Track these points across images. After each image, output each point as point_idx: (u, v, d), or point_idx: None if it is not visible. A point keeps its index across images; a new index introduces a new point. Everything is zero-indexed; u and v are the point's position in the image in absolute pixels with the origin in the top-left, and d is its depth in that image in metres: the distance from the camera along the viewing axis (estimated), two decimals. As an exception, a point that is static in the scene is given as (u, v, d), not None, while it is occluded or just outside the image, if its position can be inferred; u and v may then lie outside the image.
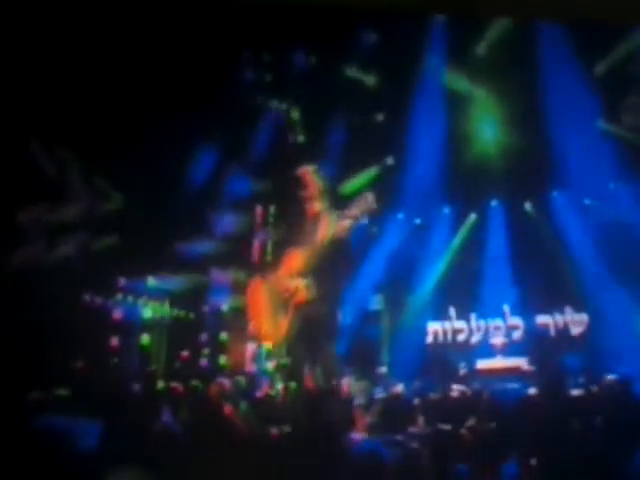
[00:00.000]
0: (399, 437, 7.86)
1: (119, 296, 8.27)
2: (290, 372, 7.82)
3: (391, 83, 9.42)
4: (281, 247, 8.33)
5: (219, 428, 7.55)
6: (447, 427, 8.20)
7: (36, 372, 8.03)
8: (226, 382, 7.83)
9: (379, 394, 8.30)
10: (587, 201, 9.98)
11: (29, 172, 8.10)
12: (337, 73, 9.20)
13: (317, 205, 8.20)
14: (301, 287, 7.84)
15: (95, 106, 8.13)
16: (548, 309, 9.87)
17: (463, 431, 8.24)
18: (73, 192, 8.31)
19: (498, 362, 9.29)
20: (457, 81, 9.64)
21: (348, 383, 8.14)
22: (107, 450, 7.35)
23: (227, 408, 7.65)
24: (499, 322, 9.89)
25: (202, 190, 8.83)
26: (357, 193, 9.70)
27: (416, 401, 8.50)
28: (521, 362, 9.13)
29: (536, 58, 9.61)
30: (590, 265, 9.94)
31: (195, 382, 7.90)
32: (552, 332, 9.88)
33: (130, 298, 8.27)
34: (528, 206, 10.13)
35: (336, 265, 8.22)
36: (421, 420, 8.20)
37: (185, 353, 8.31)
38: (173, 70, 8.54)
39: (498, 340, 9.48)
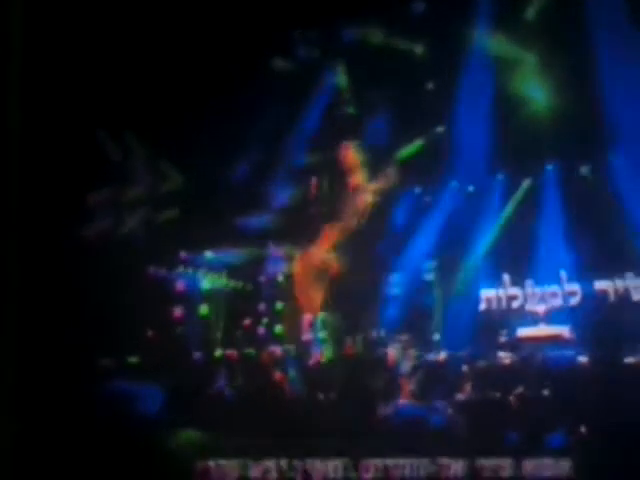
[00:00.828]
0: (445, 404, 8.57)
1: (180, 268, 9.15)
2: (331, 341, 8.56)
3: (440, 51, 9.88)
4: (327, 219, 9.01)
5: (269, 393, 8.41)
6: (495, 394, 8.85)
7: (106, 340, 8.99)
8: (277, 350, 8.64)
9: (426, 361, 8.97)
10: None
11: (97, 157, 9.00)
12: (385, 43, 9.72)
13: (357, 178, 8.82)
14: (334, 260, 8.53)
15: (154, 94, 8.92)
16: (608, 275, 10.22)
17: (511, 398, 8.88)
18: (137, 174, 9.16)
19: (542, 330, 9.79)
20: (506, 46, 10.01)
21: (394, 350, 8.84)
22: (169, 413, 8.34)
23: (277, 375, 8.48)
24: (555, 288, 10.34)
25: (258, 165, 9.56)
26: (408, 162, 10.33)
27: (464, 368, 9.13)
28: (564, 330, 9.61)
29: (587, 20, 9.87)
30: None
31: (249, 350, 8.73)
32: (612, 298, 10.26)
33: (190, 270, 9.14)
34: (584, 169, 10.43)
35: (374, 236, 8.88)
36: (469, 387, 8.87)
37: (242, 322, 9.14)
38: (225, 52, 9.25)
39: (546, 307, 9.96)
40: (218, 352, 8.77)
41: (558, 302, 10.39)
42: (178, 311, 9.03)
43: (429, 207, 10.29)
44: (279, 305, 9.19)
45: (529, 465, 7.73)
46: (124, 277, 9.03)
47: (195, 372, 8.90)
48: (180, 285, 9.11)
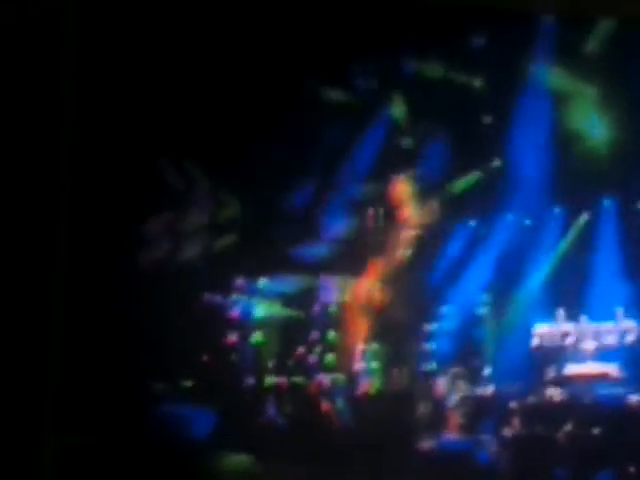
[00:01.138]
0: (491, 438, 8.73)
1: (235, 296, 9.47)
2: (381, 372, 8.81)
3: (498, 84, 10.07)
4: (375, 252, 9.28)
5: (316, 424, 8.67)
6: (543, 431, 8.97)
7: (162, 365, 9.36)
8: (325, 380, 8.90)
9: (474, 395, 9.13)
10: None
11: (157, 185, 9.41)
12: (444, 76, 9.95)
13: (406, 212, 9.09)
14: (380, 292, 8.81)
15: (214, 123, 9.30)
16: None
17: (560, 436, 8.99)
18: (196, 201, 9.55)
19: (590, 367, 9.86)
20: (565, 80, 10.15)
21: (443, 383, 9.03)
22: (220, 439, 8.68)
23: (325, 405, 8.74)
24: (610, 325, 10.38)
25: (314, 194, 9.85)
26: (464, 195, 10.52)
27: (513, 404, 9.27)
28: (613, 368, 9.67)
29: None
30: None
31: (298, 379, 9.01)
32: None
33: (245, 298, 9.47)
34: None
35: (423, 269, 9.11)
36: (517, 422, 9.00)
37: (294, 351, 9.43)
38: (284, 81, 9.58)
39: (597, 343, 10.02)
40: (269, 380, 9.08)
41: (612, 339, 10.48)
42: (232, 338, 9.38)
43: (484, 240, 10.48)
44: (331, 335, 9.47)
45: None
46: (180, 303, 9.42)
47: (247, 398, 9.24)
48: (234, 312, 9.46)
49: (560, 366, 9.63)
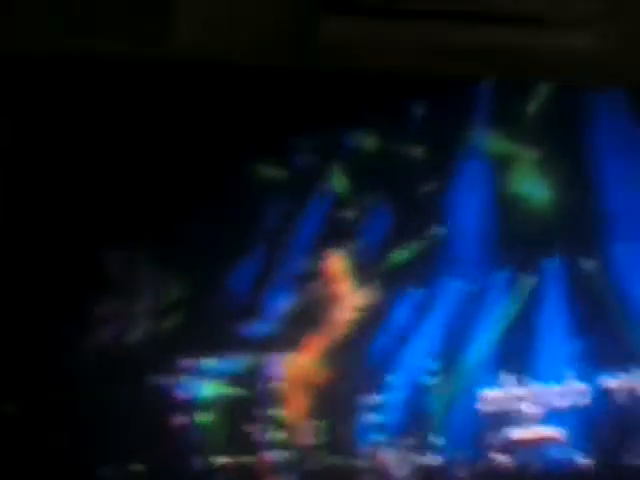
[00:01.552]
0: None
1: (181, 376, 9.65)
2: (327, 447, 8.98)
3: (438, 152, 10.24)
4: (317, 327, 9.47)
5: None
6: None
7: (107, 448, 9.59)
8: (274, 456, 9.10)
9: (422, 466, 9.35)
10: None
11: (100, 272, 9.65)
12: (384, 147, 10.14)
13: (342, 288, 9.29)
14: (314, 369, 9.00)
15: (152, 210, 9.55)
16: (614, 371, 10.42)
17: None
18: (139, 286, 9.77)
19: (536, 431, 10.01)
20: (505, 144, 10.35)
21: (390, 456, 9.24)
22: None
23: None
24: (560, 387, 10.57)
25: (258, 271, 10.06)
26: (407, 264, 10.74)
27: (462, 472, 9.49)
28: (559, 431, 9.81)
29: (586, 117, 10.20)
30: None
31: (247, 457, 9.20)
32: (618, 395, 10.45)
33: (190, 378, 9.65)
34: (590, 264, 10.70)
35: (357, 345, 9.29)
36: None
37: (242, 429, 9.61)
38: (220, 160, 9.82)
39: (543, 407, 10.20)
40: (218, 459, 9.25)
41: (562, 401, 10.69)
42: (178, 419, 9.56)
43: (429, 308, 10.67)
44: (278, 412, 9.64)
45: None
46: (125, 386, 9.65)
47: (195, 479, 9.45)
48: (180, 393, 9.64)
49: (508, 431, 9.83)
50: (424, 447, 8.65)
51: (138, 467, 8.24)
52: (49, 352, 8.37)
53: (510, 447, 8.84)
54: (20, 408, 8.20)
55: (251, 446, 8.58)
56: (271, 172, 9.10)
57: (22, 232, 8.32)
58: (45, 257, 8.62)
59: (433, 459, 8.56)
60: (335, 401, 8.60)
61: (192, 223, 8.54)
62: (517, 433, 8.99)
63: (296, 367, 8.83)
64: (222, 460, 8.40)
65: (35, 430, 8.12)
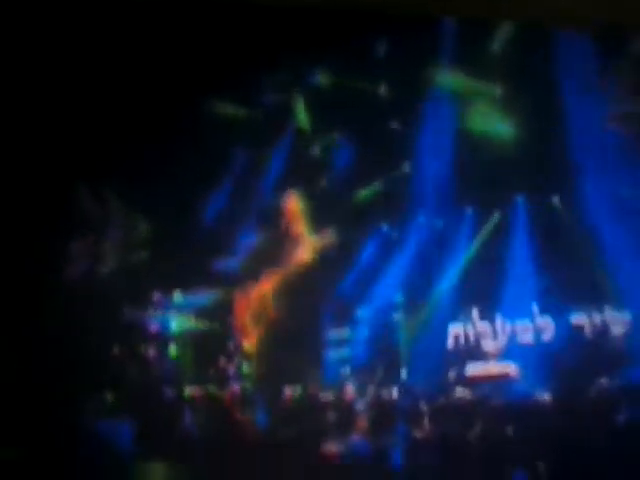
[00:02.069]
0: (401, 441, 9.40)
1: (152, 310, 10.18)
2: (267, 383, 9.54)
3: (403, 90, 10.66)
4: (283, 261, 9.98)
5: (231, 431, 9.39)
6: (453, 431, 9.61)
7: (84, 378, 10.08)
8: (238, 388, 9.61)
9: (383, 398, 9.79)
10: (623, 190, 10.95)
11: (75, 208, 10.18)
12: (347, 85, 10.56)
13: (299, 228, 9.80)
14: (270, 305, 9.55)
15: (125, 149, 10.01)
16: (580, 307, 10.82)
17: (470, 436, 9.62)
18: (111, 222, 10.29)
19: (493, 367, 10.46)
20: (469, 82, 10.73)
21: (352, 388, 9.72)
22: (140, 448, 9.40)
23: (239, 413, 9.46)
24: (527, 323, 10.97)
25: (225, 208, 10.53)
26: (375, 200, 11.16)
27: (422, 405, 9.92)
28: (513, 367, 10.27)
29: (551, 52, 10.55)
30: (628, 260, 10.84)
31: (213, 389, 9.71)
32: (588, 332, 10.82)
33: (161, 312, 10.19)
34: (556, 200, 11.09)
35: (315, 283, 9.84)
36: (426, 425, 9.66)
37: (210, 361, 10.13)
38: (187, 98, 10.24)
39: (504, 342, 10.63)
40: (187, 390, 9.79)
41: (527, 337, 11.09)
42: (151, 351, 10.09)
43: (395, 244, 11.11)
44: (246, 345, 10.17)
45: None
46: (101, 318, 10.15)
47: (164, 410, 9.95)
48: (152, 326, 10.18)
49: (470, 366, 10.27)
50: (387, 381, 9.06)
51: (110, 396, 8.68)
52: (23, 287, 8.80)
53: (470, 382, 9.21)
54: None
55: (219, 378, 9.01)
56: (237, 110, 9.50)
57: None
58: (18, 194, 9.04)
59: (395, 392, 8.96)
60: (302, 335, 9.04)
61: (161, 161, 8.94)
62: (477, 368, 9.36)
63: (262, 302, 9.26)
64: (192, 391, 8.85)
65: (16, 361, 8.55)
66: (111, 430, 9.73)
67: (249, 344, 10.01)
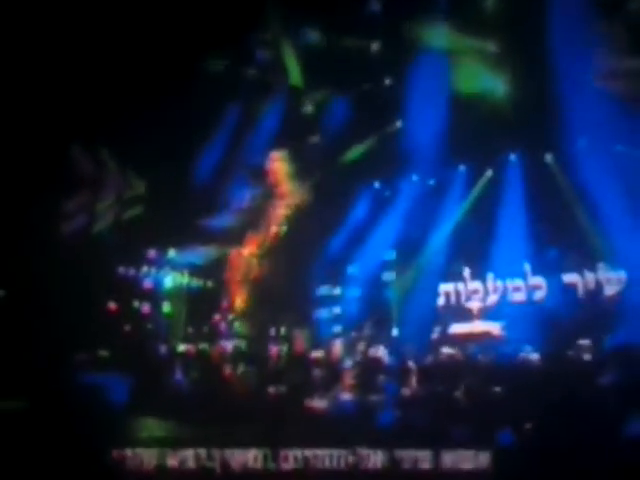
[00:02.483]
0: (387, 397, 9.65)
1: (146, 268, 10.50)
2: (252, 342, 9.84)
3: (396, 48, 10.72)
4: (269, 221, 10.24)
5: (220, 387, 9.72)
6: (441, 389, 9.81)
7: (80, 333, 10.45)
8: (228, 345, 9.91)
9: (370, 356, 10.04)
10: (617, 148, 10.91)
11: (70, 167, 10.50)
12: (340, 42, 10.65)
13: (284, 188, 10.00)
14: (254, 264, 9.83)
15: (118, 110, 10.24)
16: (576, 267, 10.87)
17: (458, 394, 9.84)
18: (106, 181, 10.58)
19: (474, 326, 10.64)
20: (462, 39, 10.75)
21: (339, 345, 9.99)
22: (134, 403, 9.76)
23: (227, 369, 9.78)
24: (519, 282, 11.08)
25: (219, 166, 10.74)
26: (367, 158, 11.30)
27: (410, 363, 10.15)
28: (495, 326, 10.43)
29: (544, 10, 10.53)
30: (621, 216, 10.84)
31: (203, 345, 10.04)
32: (581, 291, 10.89)
33: (155, 269, 10.49)
34: (549, 158, 11.12)
35: (298, 242, 10.07)
36: (414, 382, 9.89)
37: (202, 319, 10.46)
38: (179, 58, 10.42)
39: (485, 303, 10.81)
40: (180, 347, 10.14)
41: (520, 296, 11.21)
42: (145, 308, 10.43)
43: (387, 203, 11.27)
44: (238, 303, 10.48)
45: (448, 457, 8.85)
46: (96, 274, 10.49)
47: (157, 365, 10.30)
48: (147, 283, 10.51)
49: (458, 325, 10.46)
50: (375, 339, 9.30)
51: (105, 353, 9.02)
52: (20, 243, 9.10)
53: (457, 340, 9.41)
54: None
55: (210, 334, 9.32)
56: (231, 69, 9.68)
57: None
58: (16, 155, 9.28)
59: (383, 351, 9.19)
60: (291, 294, 9.31)
61: (154, 120, 9.18)
62: (465, 327, 9.56)
63: (253, 261, 9.52)
64: (183, 347, 9.17)
65: (15, 318, 8.89)
66: (106, 384, 10.15)
67: (241, 302, 10.33)
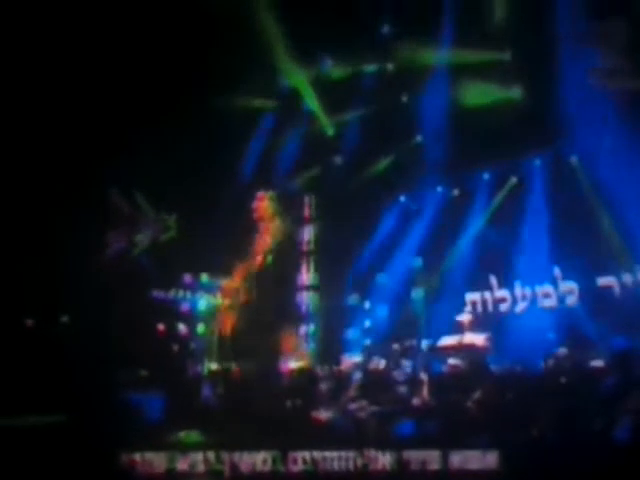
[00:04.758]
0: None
1: (182, 291, 11.80)
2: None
3: (409, 67, 11.68)
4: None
5: (244, 403, 10.82)
6: (454, 399, 10.54)
7: (121, 353, 11.80)
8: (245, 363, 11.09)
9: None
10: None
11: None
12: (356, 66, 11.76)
13: (269, 226, 11.31)
14: (243, 290, 10.97)
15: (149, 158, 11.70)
16: (604, 270, 11.33)
17: (469, 404, 10.55)
18: (142, 220, 12.12)
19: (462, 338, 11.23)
20: (471, 54, 11.57)
21: (350, 360, 10.98)
22: (169, 418, 10.98)
23: (250, 386, 10.89)
24: (548, 288, 11.64)
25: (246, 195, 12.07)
26: (391, 172, 12.29)
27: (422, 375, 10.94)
28: (479, 338, 11.02)
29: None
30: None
31: (228, 364, 11.21)
32: (617, 293, 11.30)
33: (190, 293, 11.79)
34: (573, 160, 11.67)
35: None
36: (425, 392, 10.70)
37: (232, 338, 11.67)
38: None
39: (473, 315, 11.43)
40: (209, 366, 11.37)
41: (549, 302, 11.75)
42: (181, 329, 11.72)
43: (415, 214, 12.17)
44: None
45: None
46: (134, 299, 11.91)
47: (190, 384, 11.53)
48: (183, 306, 11.82)
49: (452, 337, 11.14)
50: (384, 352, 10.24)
51: (144, 372, 10.30)
52: (66, 272, 10.54)
53: (444, 353, 10.18)
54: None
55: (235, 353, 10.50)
56: (249, 102, 10.97)
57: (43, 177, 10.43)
58: (62, 198, 10.80)
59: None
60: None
61: (180, 158, 10.56)
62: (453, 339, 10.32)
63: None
64: (214, 366, 10.37)
65: (59, 343, 10.28)
66: (143, 401, 11.42)
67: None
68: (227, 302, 11.77)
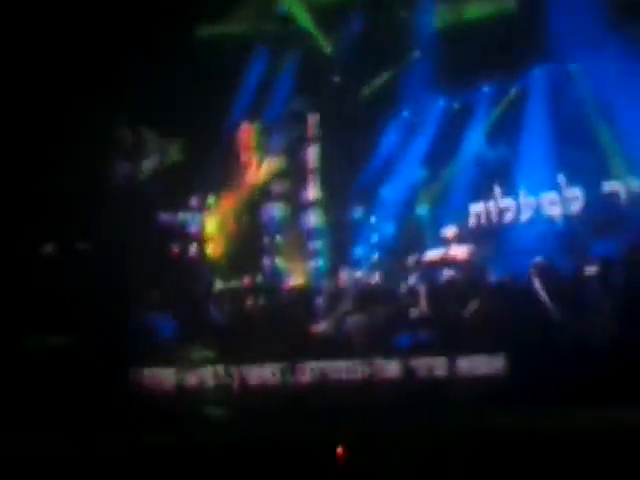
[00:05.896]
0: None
1: (189, 213, 12.37)
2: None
3: None
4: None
5: (248, 320, 11.43)
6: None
7: (136, 272, 12.35)
8: (249, 281, 11.67)
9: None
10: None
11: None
12: None
13: (252, 156, 11.82)
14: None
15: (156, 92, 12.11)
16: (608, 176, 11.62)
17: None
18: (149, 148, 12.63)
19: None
20: None
21: (350, 274, 11.50)
22: (182, 338, 11.58)
23: (252, 303, 11.48)
24: (553, 195, 11.92)
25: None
26: (392, 87, 12.61)
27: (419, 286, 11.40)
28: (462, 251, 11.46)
29: None
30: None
31: (235, 283, 11.79)
32: (623, 200, 11.57)
33: (198, 214, 12.38)
34: (573, 69, 11.91)
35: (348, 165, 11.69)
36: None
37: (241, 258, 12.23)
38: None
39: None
40: (218, 285, 11.96)
41: (555, 209, 12.04)
42: (192, 250, 12.32)
43: (417, 128, 12.50)
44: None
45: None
46: (143, 223, 12.47)
47: (200, 302, 12.14)
48: (191, 227, 12.41)
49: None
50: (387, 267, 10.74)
51: (156, 294, 10.89)
52: (78, 196, 11.04)
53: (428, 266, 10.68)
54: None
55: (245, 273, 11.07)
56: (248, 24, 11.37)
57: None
58: (74, 128, 11.25)
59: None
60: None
61: (180, 87, 11.03)
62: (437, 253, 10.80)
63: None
64: (219, 285, 10.97)
65: (74, 268, 10.83)
66: (156, 322, 12.01)
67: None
68: (226, 224, 12.49)
